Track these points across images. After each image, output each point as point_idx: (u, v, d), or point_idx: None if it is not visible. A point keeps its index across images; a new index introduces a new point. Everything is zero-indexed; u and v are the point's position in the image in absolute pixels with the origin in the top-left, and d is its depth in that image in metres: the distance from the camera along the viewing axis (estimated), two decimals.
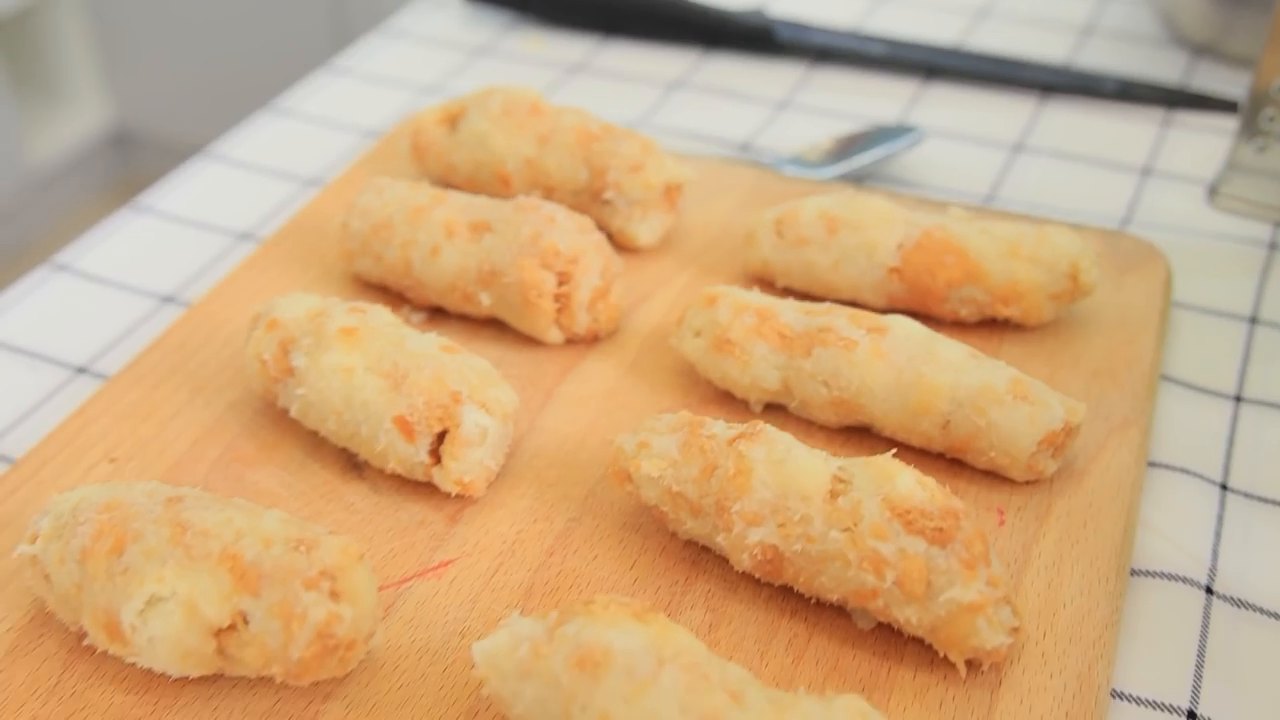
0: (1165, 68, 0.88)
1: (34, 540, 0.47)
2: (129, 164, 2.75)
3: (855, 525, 0.45)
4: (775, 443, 0.48)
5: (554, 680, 0.41)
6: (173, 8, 2.64)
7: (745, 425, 0.49)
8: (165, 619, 0.43)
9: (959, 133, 0.81)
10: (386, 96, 0.86)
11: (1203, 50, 0.90)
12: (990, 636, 0.45)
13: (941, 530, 0.45)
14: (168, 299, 0.68)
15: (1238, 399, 0.61)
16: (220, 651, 0.44)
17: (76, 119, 2.71)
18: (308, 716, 0.45)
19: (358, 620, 0.44)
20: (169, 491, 0.47)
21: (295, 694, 0.46)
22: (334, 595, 0.43)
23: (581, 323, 0.60)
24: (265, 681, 0.46)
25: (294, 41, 2.52)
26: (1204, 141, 0.80)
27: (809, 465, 0.47)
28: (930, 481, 0.46)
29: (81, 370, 0.63)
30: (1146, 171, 0.78)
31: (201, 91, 2.75)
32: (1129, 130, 0.81)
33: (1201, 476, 0.56)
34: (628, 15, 0.93)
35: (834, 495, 0.46)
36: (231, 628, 0.44)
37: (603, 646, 0.41)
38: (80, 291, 0.68)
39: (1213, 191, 0.74)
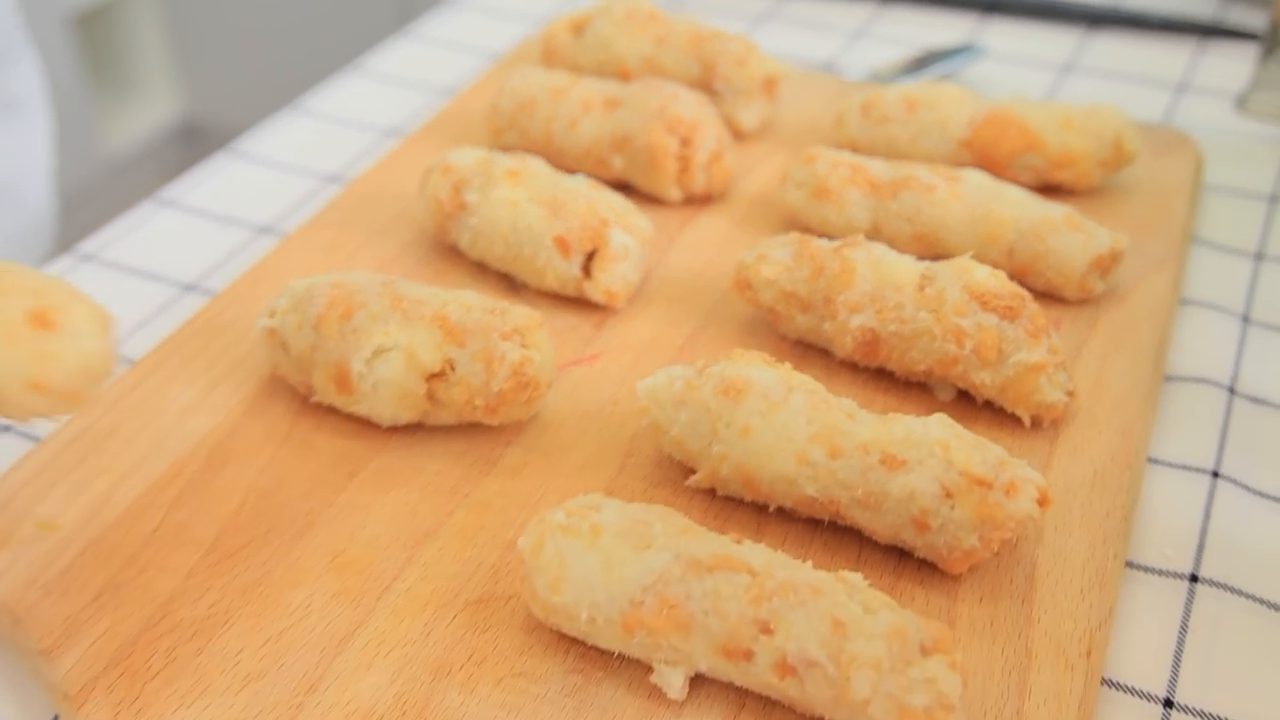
0: (1200, 7, 0.98)
1: (272, 315, 0.58)
2: (197, 155, 2.89)
3: (940, 307, 0.56)
4: (872, 248, 0.59)
5: (704, 405, 0.52)
6: (243, 4, 2.78)
7: (847, 238, 0.60)
8: (389, 365, 0.54)
9: (1014, 57, 0.92)
10: (467, 54, 0.98)
11: None
12: (1050, 393, 0.55)
13: (1011, 308, 0.55)
14: (265, 230, 0.79)
15: (1258, 256, 0.71)
16: (429, 395, 0.55)
17: (148, 110, 2.85)
18: (493, 457, 0.56)
19: (542, 365, 0.55)
20: (382, 277, 0.58)
21: (483, 440, 0.57)
22: (524, 345, 0.54)
23: (699, 182, 0.71)
24: (459, 430, 0.57)
25: (362, 42, 2.64)
26: (1234, 66, 0.90)
27: (901, 263, 0.58)
28: (1000, 273, 0.57)
29: (190, 288, 0.75)
30: (1182, 88, 0.88)
31: (268, 86, 2.87)
32: (1167, 57, 0.92)
33: (1227, 310, 0.66)
34: None
35: (922, 285, 0.57)
36: (440, 374, 0.55)
37: (743, 378, 0.52)
38: (180, 222, 0.80)
39: (1240, 102, 0.84)
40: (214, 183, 0.80)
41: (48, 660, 0.48)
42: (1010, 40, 0.94)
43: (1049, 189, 0.72)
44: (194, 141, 2.91)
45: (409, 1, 2.61)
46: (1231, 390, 0.62)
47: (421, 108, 0.88)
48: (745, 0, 1.01)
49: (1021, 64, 0.91)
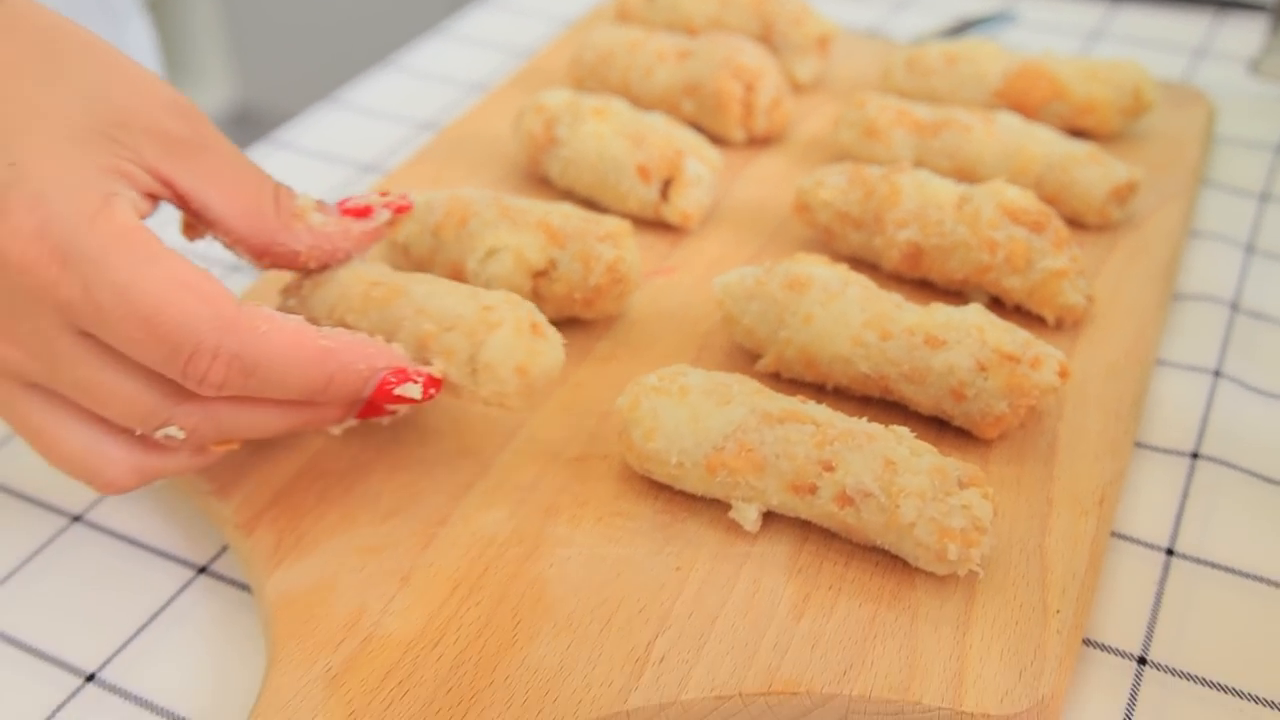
0: None
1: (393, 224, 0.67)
2: (250, 140, 2.99)
3: (976, 222, 0.64)
4: (917, 173, 0.67)
5: (771, 297, 0.60)
6: None
7: (894, 165, 0.68)
8: (500, 263, 0.63)
9: (1046, 24, 1.00)
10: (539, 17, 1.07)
11: None
12: (1072, 296, 0.63)
13: (1038, 222, 0.64)
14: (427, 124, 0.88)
15: (1263, 196, 0.79)
16: (534, 291, 0.64)
17: (203, 96, 2.96)
18: (587, 347, 0.65)
19: (632, 264, 0.63)
20: (491, 191, 0.67)
21: (579, 333, 0.65)
22: (616, 247, 0.63)
23: (760, 124, 0.79)
24: (557, 323, 0.65)
25: (412, 32, 2.74)
26: (1248, 35, 0.98)
27: (942, 185, 0.66)
28: (1029, 192, 0.65)
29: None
30: (1200, 53, 0.96)
31: (321, 74, 2.98)
32: (1187, 25, 1.00)
33: (1234, 241, 0.74)
34: None
35: (960, 204, 0.65)
36: (544, 272, 0.64)
37: (806, 273, 0.60)
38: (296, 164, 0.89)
39: (1254, 65, 0.92)
40: (320, 128, 0.90)
41: (219, 499, 0.57)
42: (1042, 10, 1.02)
43: (1074, 133, 0.80)
44: (246, 127, 3.02)
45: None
46: (1234, 307, 0.70)
47: (500, 65, 0.97)
48: None
49: (1052, 31, 0.99)
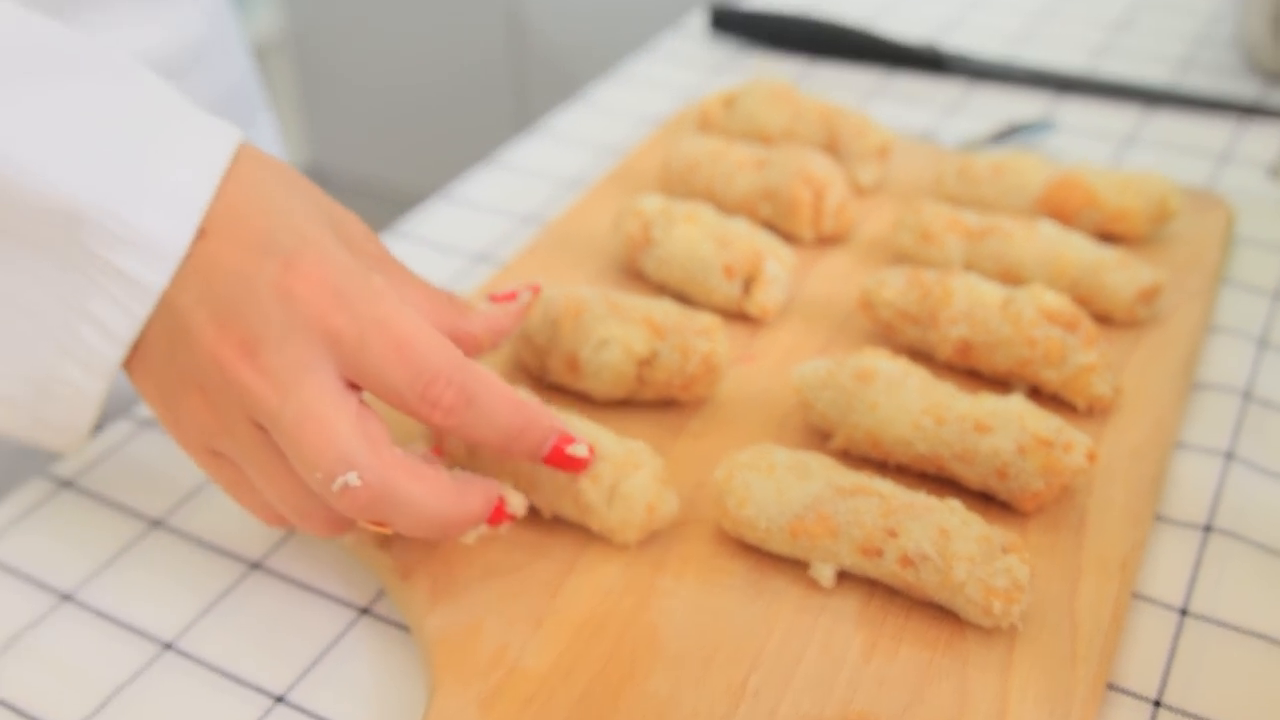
0: (1244, 91, 1.17)
1: None
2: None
3: (1018, 321, 0.75)
4: (966, 277, 0.78)
5: (842, 386, 0.71)
6: (370, 57, 3.04)
7: (947, 269, 0.79)
8: (610, 352, 0.74)
9: (1083, 129, 1.11)
10: (635, 111, 1.19)
11: (1274, 78, 1.18)
12: (1101, 387, 0.74)
13: (1071, 323, 0.74)
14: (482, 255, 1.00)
15: (1276, 295, 0.89)
16: (638, 377, 0.75)
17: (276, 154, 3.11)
18: (681, 425, 0.76)
19: (723, 355, 0.74)
20: (600, 289, 0.78)
21: (673, 413, 0.76)
22: (710, 340, 0.74)
23: (828, 226, 0.91)
24: (656, 404, 0.77)
25: (478, 91, 2.89)
26: (1269, 142, 1.08)
27: (989, 288, 0.77)
28: (1064, 296, 0.75)
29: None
30: (1223, 157, 1.06)
31: (391, 136, 3.13)
32: (1211, 131, 1.10)
33: (1248, 336, 0.84)
34: (831, 42, 1.24)
35: (1004, 305, 0.76)
36: (647, 361, 0.75)
37: (872, 366, 0.71)
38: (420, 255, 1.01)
39: (1273, 171, 1.02)
40: (434, 221, 1.02)
41: (379, 549, 0.68)
42: (1080, 114, 1.13)
43: (1107, 237, 0.90)
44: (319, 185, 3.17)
45: (525, 100, 2.84)
46: (1247, 395, 0.79)
47: (592, 162, 1.08)
48: (858, 77, 1.21)
49: (1089, 135, 1.10)
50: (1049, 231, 0.84)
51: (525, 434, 0.62)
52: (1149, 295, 0.81)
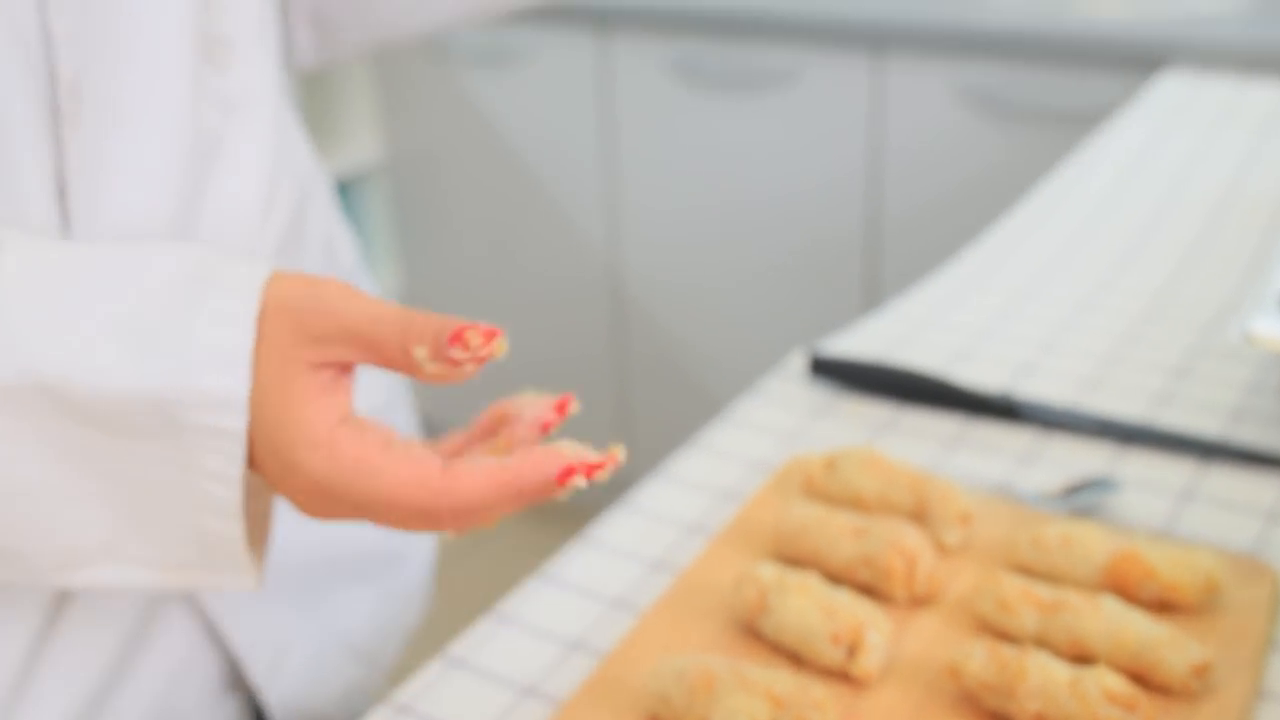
0: None
1: (658, 677, 0.93)
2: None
3: (1084, 699, 0.88)
4: (1038, 655, 0.92)
5: None
6: (464, 201, 3.38)
7: (1022, 647, 0.93)
8: None
9: (1143, 484, 1.25)
10: (744, 455, 1.36)
11: None
12: None
13: (1130, 704, 0.87)
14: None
15: None
16: None
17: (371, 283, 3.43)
18: None
19: None
20: (728, 660, 0.93)
21: None
22: (822, 713, 0.88)
23: (920, 587, 1.05)
24: None
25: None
26: None
27: (1059, 667, 0.91)
28: (1124, 679, 0.89)
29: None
30: (1270, 517, 1.20)
31: (482, 270, 3.42)
32: (1261, 488, 1.24)
33: None
34: (917, 390, 1.42)
35: (1072, 684, 0.89)
36: None
37: None
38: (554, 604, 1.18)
39: None
40: (574, 565, 1.18)
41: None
42: (1141, 467, 1.28)
43: (1164, 605, 1.04)
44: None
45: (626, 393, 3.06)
46: None
47: (710, 506, 1.25)
48: (941, 424, 1.37)
49: (1149, 491, 1.24)
50: (1111, 609, 0.98)
51: (523, 497, 0.71)
52: (1200, 671, 0.94)
